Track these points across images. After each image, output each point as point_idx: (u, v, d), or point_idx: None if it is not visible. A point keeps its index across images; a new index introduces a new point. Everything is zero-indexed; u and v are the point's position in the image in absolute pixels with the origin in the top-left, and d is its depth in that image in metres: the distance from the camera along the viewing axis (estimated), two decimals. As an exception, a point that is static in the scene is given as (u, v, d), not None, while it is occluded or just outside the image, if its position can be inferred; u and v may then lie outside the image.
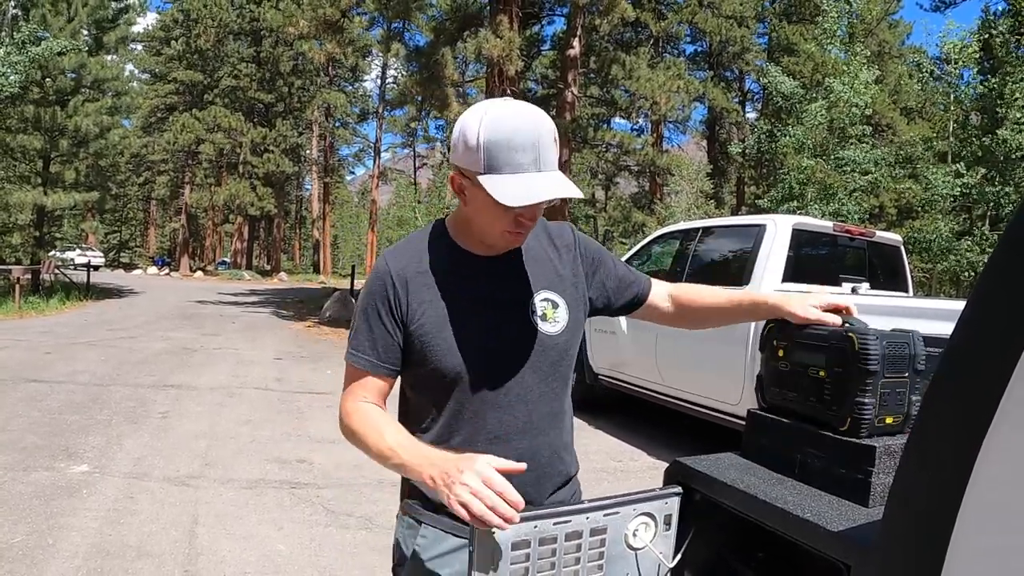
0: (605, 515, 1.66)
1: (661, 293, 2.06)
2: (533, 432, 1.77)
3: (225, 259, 60.44)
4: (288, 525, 4.73)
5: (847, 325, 1.81)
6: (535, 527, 1.55)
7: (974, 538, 0.87)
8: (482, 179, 1.56)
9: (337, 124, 59.90)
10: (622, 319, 7.49)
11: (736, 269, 6.87)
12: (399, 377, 1.79)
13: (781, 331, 1.98)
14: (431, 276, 1.72)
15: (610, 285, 1.97)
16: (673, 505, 1.77)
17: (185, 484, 5.46)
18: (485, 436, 1.72)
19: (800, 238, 6.66)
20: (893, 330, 1.83)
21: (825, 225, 7.11)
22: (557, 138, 1.64)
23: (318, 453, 6.67)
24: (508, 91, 19.11)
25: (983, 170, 19.50)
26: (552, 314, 1.80)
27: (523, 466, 1.45)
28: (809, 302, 1.77)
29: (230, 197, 49.70)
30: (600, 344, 8.23)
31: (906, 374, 1.82)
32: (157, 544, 4.36)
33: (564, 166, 18.76)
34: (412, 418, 1.81)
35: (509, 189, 1.54)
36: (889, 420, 1.78)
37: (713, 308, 2.03)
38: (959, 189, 19.32)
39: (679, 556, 1.79)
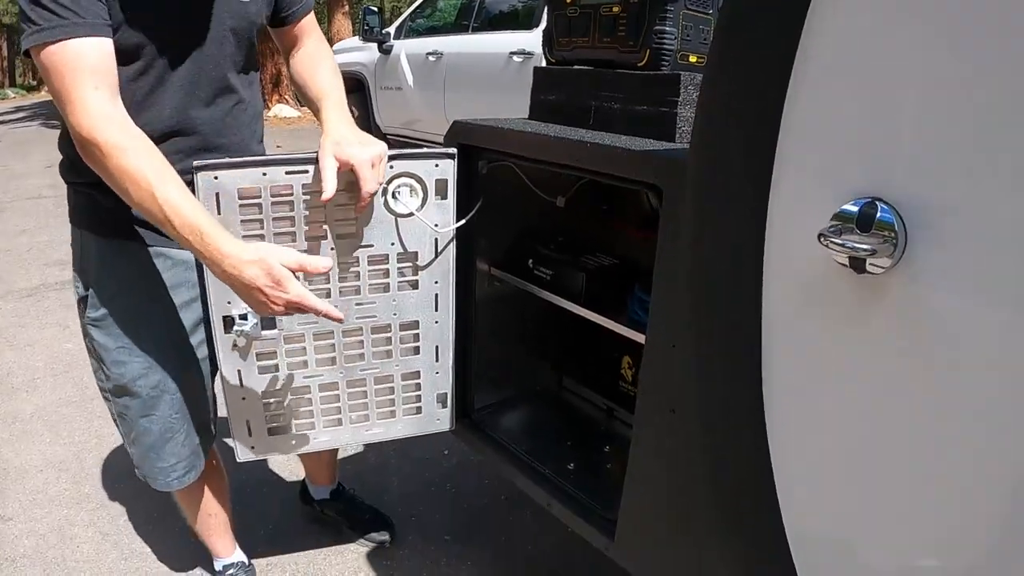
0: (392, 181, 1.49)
1: (299, 33, 1.67)
2: (222, 111, 1.52)
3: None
4: (74, 323, 4.27)
5: None
6: (264, 174, 1.35)
7: (801, 132, 0.83)
8: None
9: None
10: (409, 72, 7.11)
11: (524, 15, 6.51)
12: None
13: None
14: None
15: None
16: (447, 169, 1.51)
17: None
18: (169, 126, 1.43)
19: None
20: None
21: (616, -34, 6.83)
22: None
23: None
24: None
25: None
26: None
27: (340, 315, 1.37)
28: (336, 153, 1.36)
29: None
30: (386, 102, 7.82)
31: (710, 11, 1.60)
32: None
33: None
34: None
35: None
36: (692, 59, 1.56)
37: (301, 83, 1.65)
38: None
39: (459, 224, 1.54)
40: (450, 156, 1.51)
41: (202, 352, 1.58)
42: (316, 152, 1.35)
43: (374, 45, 7.51)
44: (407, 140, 7.57)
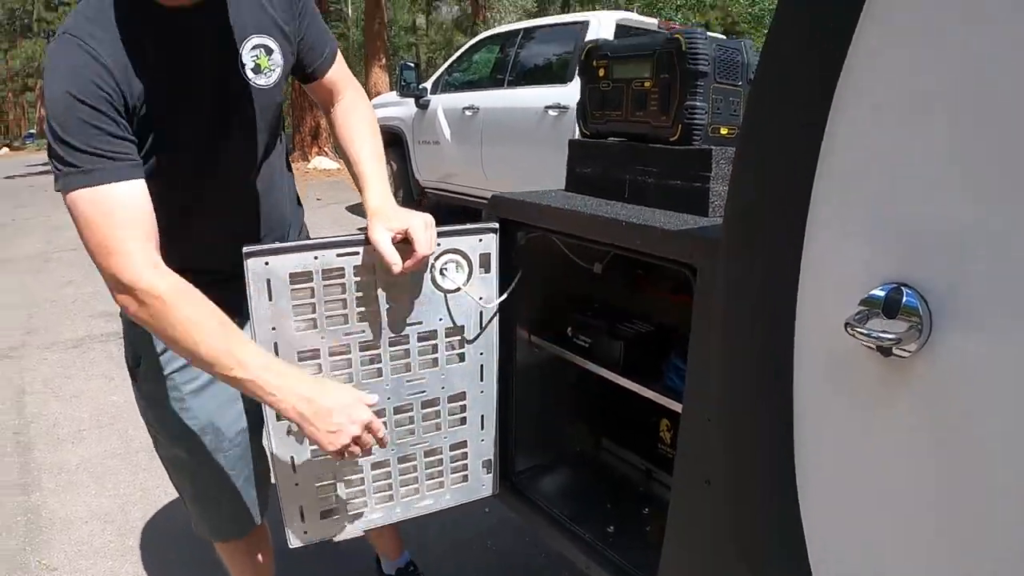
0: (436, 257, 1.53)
1: (332, 84, 1.66)
2: (254, 196, 1.56)
3: (31, 131, 55.80)
4: (119, 375, 4.33)
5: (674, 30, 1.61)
6: (315, 258, 1.39)
7: (830, 213, 0.86)
8: None
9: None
10: (446, 126, 7.20)
11: (559, 69, 6.58)
12: None
13: (600, 50, 1.76)
14: (130, 50, 1.30)
15: (306, 40, 1.60)
16: (490, 243, 1.55)
17: (7, 357, 4.97)
18: (202, 210, 1.48)
19: (624, 34, 6.39)
20: None
21: (650, 22, 6.86)
22: None
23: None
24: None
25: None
26: (266, 63, 1.48)
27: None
28: (390, 226, 1.39)
29: (26, 60, 45.81)
30: (424, 156, 7.86)
31: (739, 83, 1.64)
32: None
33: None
34: None
35: None
36: (724, 131, 1.61)
37: (343, 150, 1.64)
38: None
39: (502, 299, 1.59)
40: (493, 231, 1.56)
41: (246, 420, 1.62)
42: (363, 232, 1.40)
43: (411, 100, 7.63)
44: (445, 194, 7.64)
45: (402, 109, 7.90)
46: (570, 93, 5.81)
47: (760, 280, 0.98)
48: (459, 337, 1.58)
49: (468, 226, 1.54)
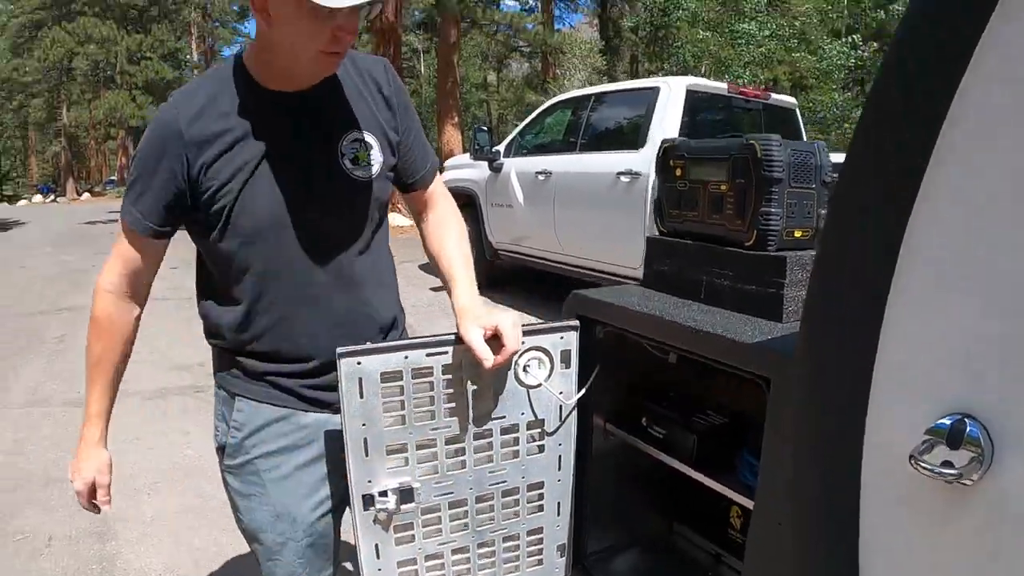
0: (521, 354, 1.57)
1: (429, 197, 1.76)
2: (350, 287, 1.60)
3: (112, 178, 57.25)
4: (195, 429, 4.51)
5: (747, 137, 1.68)
6: (405, 357, 1.45)
7: (900, 337, 0.89)
8: None
9: (216, 24, 57.39)
10: (518, 190, 7.33)
11: (630, 134, 6.66)
12: (198, 248, 1.58)
13: (677, 150, 1.83)
14: (225, 121, 1.45)
15: (411, 153, 1.70)
16: (571, 340, 1.62)
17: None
18: (296, 297, 1.54)
19: (694, 100, 6.47)
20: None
21: (719, 87, 6.92)
22: None
23: (218, 355, 6.35)
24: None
25: (876, 44, 19.59)
26: (364, 156, 1.56)
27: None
28: (481, 323, 1.48)
29: (110, 110, 47.15)
30: (497, 219, 8.02)
31: (813, 185, 1.70)
32: (63, 469, 4.06)
33: (452, 47, 18.18)
34: (217, 287, 1.59)
35: None
36: (798, 234, 1.66)
37: (435, 261, 1.73)
38: (854, 61, 19.38)
39: (580, 394, 1.65)
40: (574, 329, 1.62)
41: (325, 507, 1.66)
42: (452, 333, 1.48)
43: (485, 163, 7.79)
44: (518, 256, 7.74)
45: (475, 171, 8.06)
46: (641, 159, 5.90)
47: (831, 399, 1.02)
48: (539, 430, 1.64)
49: (551, 324, 1.61)
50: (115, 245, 1.54)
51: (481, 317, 1.48)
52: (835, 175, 1.46)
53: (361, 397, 1.43)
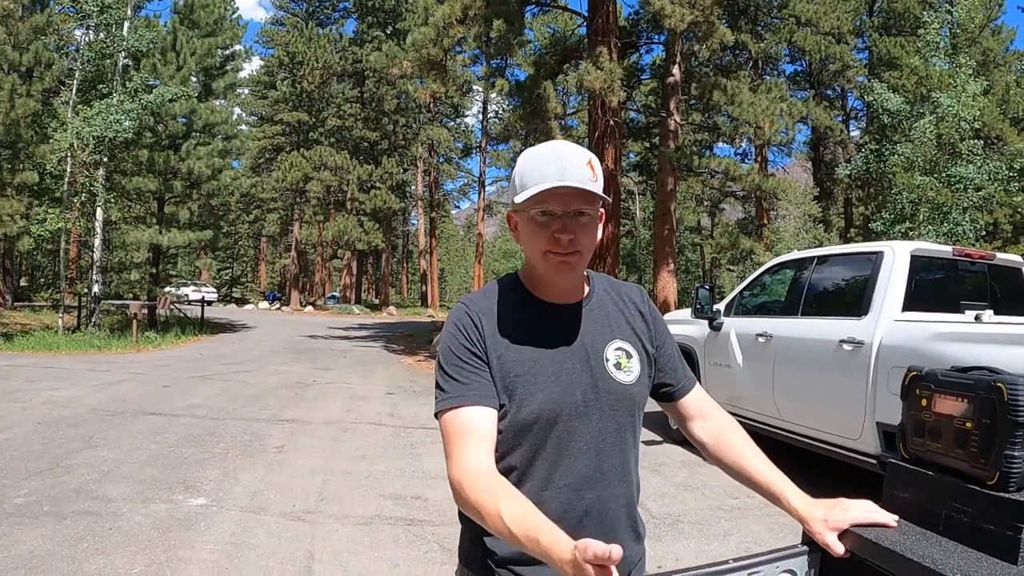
0: (749, 574, 1.65)
1: (696, 405, 1.96)
2: (603, 483, 1.73)
3: (335, 293, 61.51)
4: (404, 563, 4.69)
5: (995, 373, 1.75)
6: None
7: None
8: (515, 199, 1.63)
9: (441, 160, 61.03)
10: (738, 351, 7.41)
11: (853, 298, 6.62)
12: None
13: (923, 380, 1.92)
14: (506, 323, 1.72)
15: (670, 362, 1.93)
16: (814, 561, 1.74)
17: (301, 519, 5.49)
18: (556, 483, 1.69)
19: (919, 264, 6.40)
20: None
21: (944, 250, 6.82)
22: (596, 166, 1.65)
23: (433, 489, 6.58)
24: (611, 122, 19.10)
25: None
26: (626, 363, 1.78)
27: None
28: (832, 518, 1.67)
29: (338, 233, 50.98)
30: (715, 377, 8.12)
31: (1061, 427, 1.75)
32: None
33: (670, 195, 18.63)
34: None
35: (526, 192, 1.60)
36: (1042, 475, 1.72)
37: (738, 470, 1.88)
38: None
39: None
40: (817, 551, 1.73)
41: None
42: (796, 546, 1.65)
43: (705, 321, 7.95)
44: (734, 416, 7.72)
45: (695, 328, 8.27)
46: (864, 328, 5.89)
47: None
48: None
49: (796, 547, 1.72)
50: (451, 443, 1.62)
51: (828, 519, 1.69)
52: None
53: None
